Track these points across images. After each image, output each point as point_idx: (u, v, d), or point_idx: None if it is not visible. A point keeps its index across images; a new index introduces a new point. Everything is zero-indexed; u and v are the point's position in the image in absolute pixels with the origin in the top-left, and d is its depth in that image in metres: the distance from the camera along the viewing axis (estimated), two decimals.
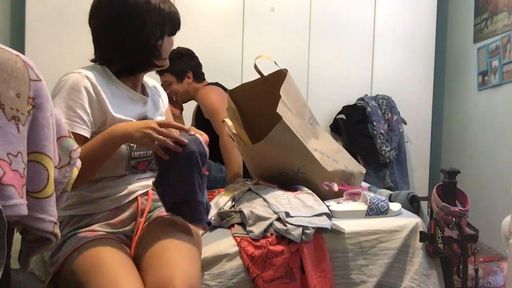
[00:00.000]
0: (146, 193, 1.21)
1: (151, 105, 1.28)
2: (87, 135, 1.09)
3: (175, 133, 1.06)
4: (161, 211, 1.20)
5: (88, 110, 1.08)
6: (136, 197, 1.18)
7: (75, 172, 0.87)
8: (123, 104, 1.17)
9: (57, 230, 0.80)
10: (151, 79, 1.39)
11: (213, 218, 1.45)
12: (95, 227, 1.12)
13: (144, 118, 1.23)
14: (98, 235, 1.08)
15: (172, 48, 1.27)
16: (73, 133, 1.02)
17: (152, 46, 1.19)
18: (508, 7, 2.49)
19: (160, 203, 1.21)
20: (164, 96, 1.40)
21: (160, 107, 1.34)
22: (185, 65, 2.18)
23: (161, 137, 1.01)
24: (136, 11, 1.14)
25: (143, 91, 1.30)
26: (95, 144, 1.05)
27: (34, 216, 0.73)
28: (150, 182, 1.21)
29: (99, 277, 0.93)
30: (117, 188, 1.16)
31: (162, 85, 2.18)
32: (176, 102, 2.26)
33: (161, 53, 1.22)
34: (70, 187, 0.88)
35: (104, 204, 1.14)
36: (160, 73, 2.20)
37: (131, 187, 1.18)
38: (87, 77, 1.09)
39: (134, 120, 1.16)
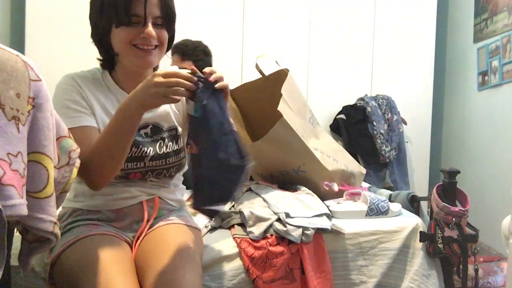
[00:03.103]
0: (152, 200, 1.18)
1: (162, 109, 1.17)
2: (93, 124, 1.07)
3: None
4: (167, 219, 1.17)
5: (83, 102, 1.08)
6: (141, 202, 1.15)
7: (75, 172, 0.87)
8: (115, 107, 1.11)
9: (57, 230, 0.80)
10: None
11: (213, 219, 1.45)
12: (98, 222, 1.11)
13: (153, 124, 1.16)
14: (100, 231, 1.06)
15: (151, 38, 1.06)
16: (80, 127, 1.04)
17: (100, 38, 1.10)
18: (508, 7, 2.49)
19: (165, 211, 1.20)
20: None
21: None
22: (209, 65, 2.16)
23: (171, 89, 0.91)
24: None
25: None
26: (110, 126, 0.99)
27: (34, 216, 0.73)
28: (154, 190, 1.18)
29: (93, 274, 0.91)
30: (117, 189, 1.13)
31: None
32: None
33: (112, 46, 1.10)
34: (69, 187, 0.88)
35: (106, 203, 1.13)
36: (183, 56, 2.06)
37: (134, 191, 1.15)
38: (73, 79, 1.11)
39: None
